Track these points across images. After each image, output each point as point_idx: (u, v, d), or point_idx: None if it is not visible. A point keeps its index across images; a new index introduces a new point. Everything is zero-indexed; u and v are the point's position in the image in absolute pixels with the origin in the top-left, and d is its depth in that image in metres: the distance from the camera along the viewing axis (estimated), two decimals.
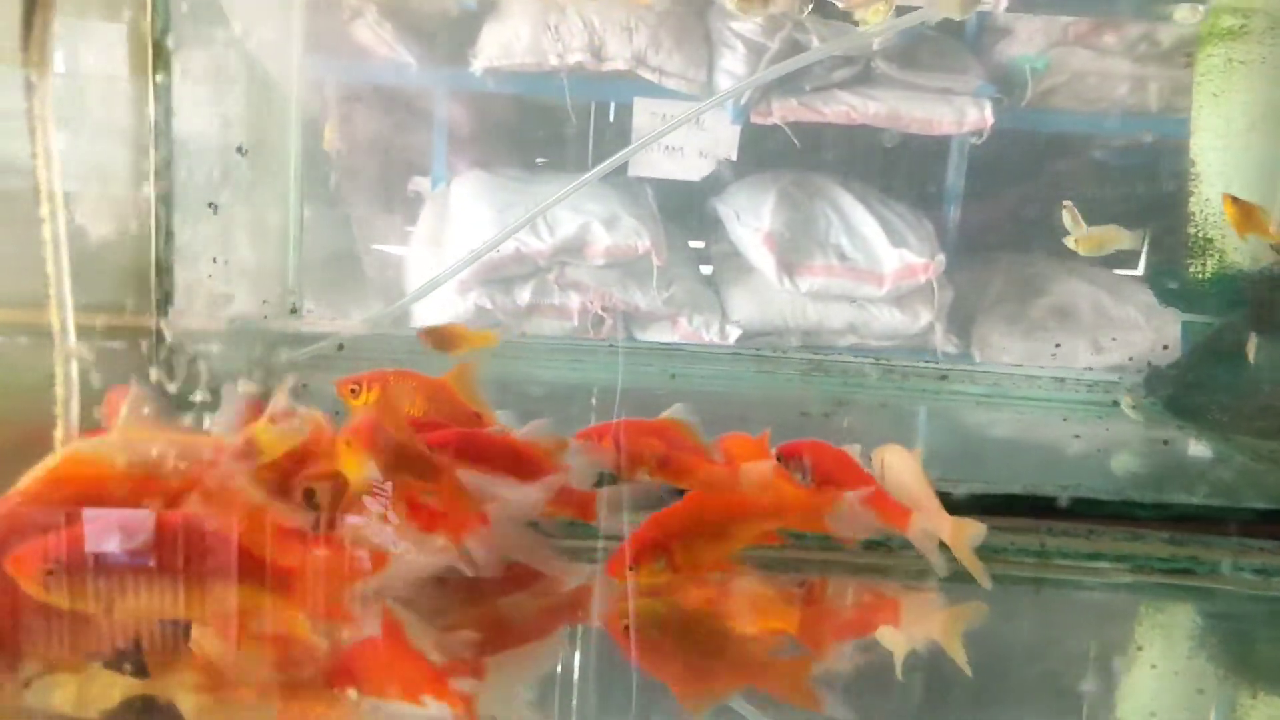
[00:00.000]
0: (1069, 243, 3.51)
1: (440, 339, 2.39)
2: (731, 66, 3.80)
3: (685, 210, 4.07)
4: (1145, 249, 4.12)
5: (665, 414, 1.82)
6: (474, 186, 3.89)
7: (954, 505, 1.62)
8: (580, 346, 2.74)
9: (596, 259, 3.75)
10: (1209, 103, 2.20)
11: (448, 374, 1.84)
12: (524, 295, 3.74)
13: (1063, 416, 2.28)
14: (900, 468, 1.71)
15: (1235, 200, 2.66)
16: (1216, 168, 2.20)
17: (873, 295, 3.83)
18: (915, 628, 1.68)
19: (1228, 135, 2.19)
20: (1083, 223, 3.01)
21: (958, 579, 1.61)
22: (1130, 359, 3.31)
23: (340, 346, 2.24)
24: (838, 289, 3.82)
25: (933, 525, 1.62)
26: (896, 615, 1.74)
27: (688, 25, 3.86)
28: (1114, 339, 3.29)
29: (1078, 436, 2.15)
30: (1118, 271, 3.99)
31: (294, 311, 2.21)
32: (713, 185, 4.02)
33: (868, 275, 3.81)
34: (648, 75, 3.79)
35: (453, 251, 3.65)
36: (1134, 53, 3.74)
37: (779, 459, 1.76)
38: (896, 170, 3.99)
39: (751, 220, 3.88)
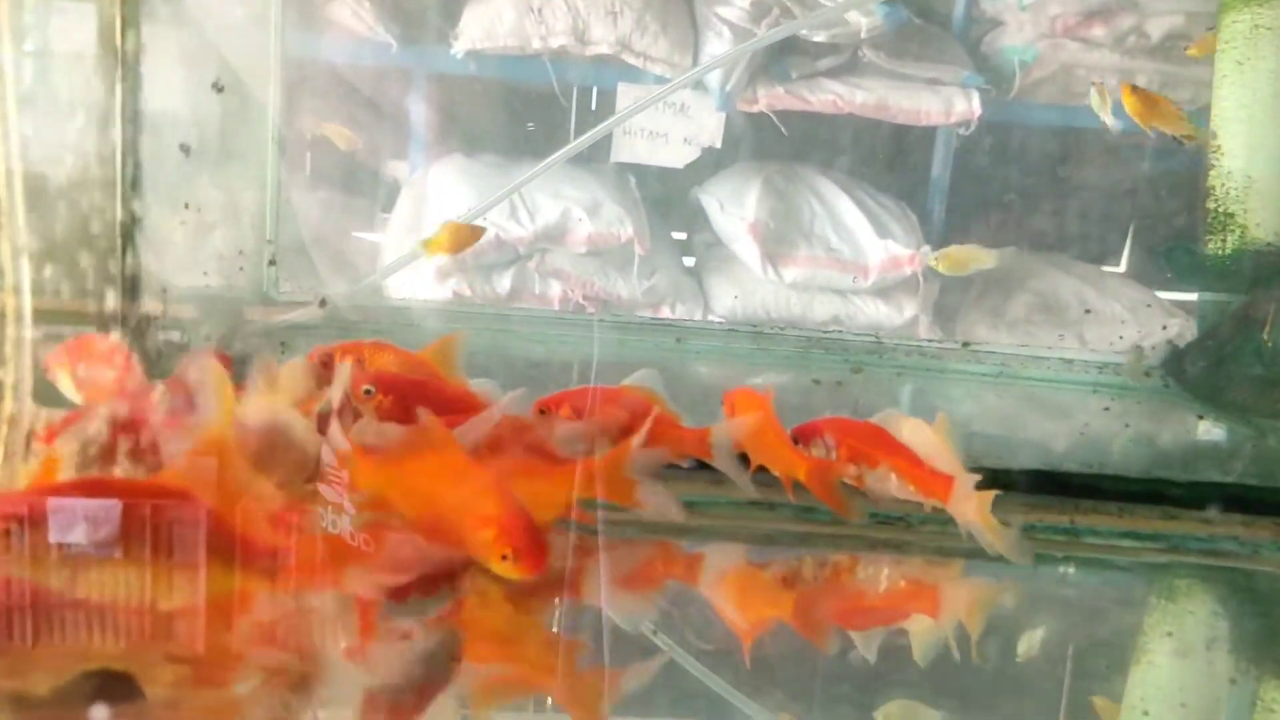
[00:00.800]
0: (928, 260, 3.45)
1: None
2: (718, 52, 3.73)
3: (668, 199, 4.01)
4: (1129, 244, 4.12)
5: (628, 380, 1.73)
6: (453, 171, 3.80)
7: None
8: (570, 320, 2.66)
9: (578, 246, 3.68)
10: (1233, 71, 2.14)
11: (428, 348, 1.75)
12: (504, 282, 3.67)
13: (1079, 395, 2.22)
14: (919, 442, 1.63)
15: (1135, 89, 2.58)
16: (1241, 139, 2.15)
17: (857, 287, 3.79)
18: (934, 607, 1.61)
19: (1253, 105, 2.14)
20: (1109, 100, 2.96)
21: (980, 555, 1.54)
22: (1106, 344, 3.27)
23: (323, 302, 2.15)
24: (822, 280, 3.77)
25: (963, 502, 1.54)
26: (913, 596, 1.66)
27: (673, 10, 3.80)
28: (1119, 335, 3.25)
29: (1107, 409, 2.10)
30: (1105, 268, 3.99)
31: (272, 264, 2.10)
32: (696, 174, 3.96)
33: (852, 266, 3.77)
34: (632, 60, 3.73)
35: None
36: (1123, 46, 3.72)
37: (795, 441, 1.69)
38: (882, 160, 3.95)
39: (735, 210, 3.82)
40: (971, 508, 1.49)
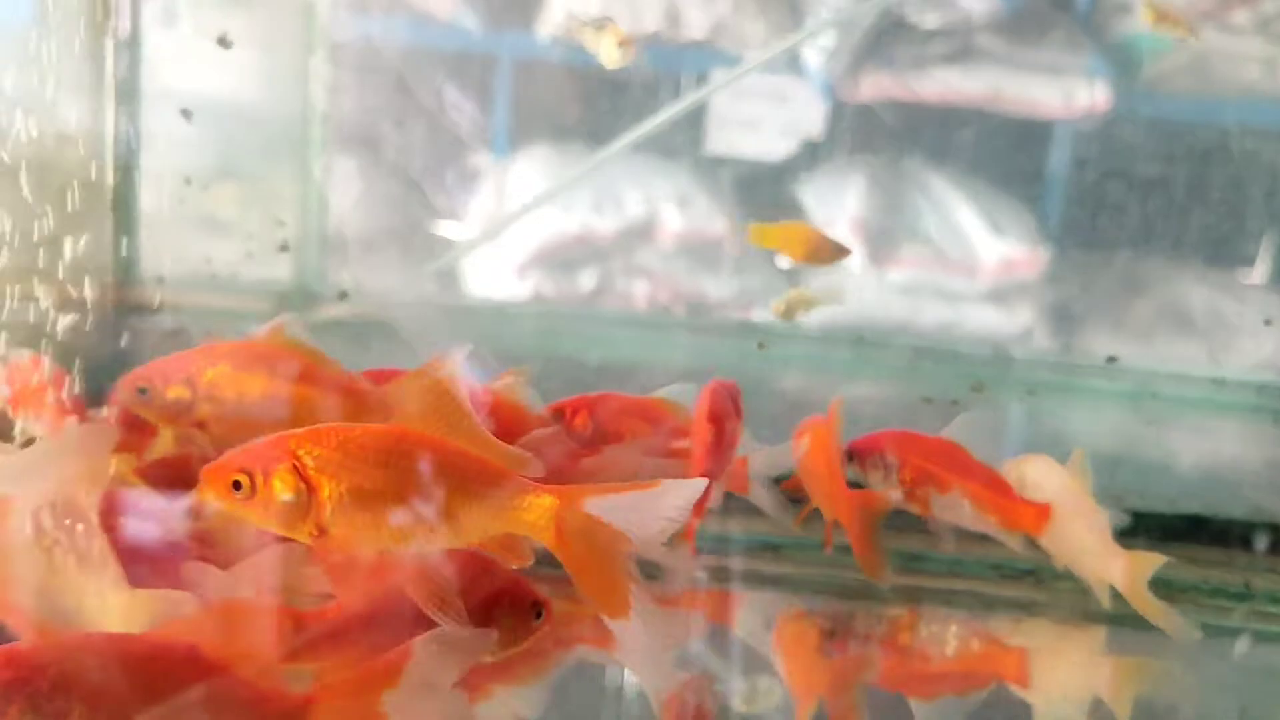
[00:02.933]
0: (774, 310, 2.98)
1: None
2: (819, 38, 3.52)
3: (763, 194, 3.79)
4: (1266, 250, 3.79)
5: (661, 392, 1.52)
6: (537, 161, 3.64)
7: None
8: (647, 322, 2.43)
9: (666, 244, 3.51)
10: None
11: (493, 381, 1.53)
12: (587, 281, 3.51)
13: (1237, 422, 1.92)
14: (1044, 485, 1.38)
15: None
16: None
17: (967, 291, 3.55)
18: (1059, 682, 1.35)
19: None
20: None
21: (1127, 622, 1.28)
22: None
23: (343, 294, 1.97)
24: (929, 283, 3.54)
25: (1101, 560, 1.28)
26: (1019, 667, 1.40)
27: None
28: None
29: None
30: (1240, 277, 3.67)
31: (284, 249, 1.91)
32: (794, 167, 3.73)
33: (963, 269, 3.53)
34: (728, 45, 3.53)
35: (514, 231, 3.45)
36: (1268, 31, 3.41)
37: (850, 458, 1.45)
38: (997, 155, 3.68)
39: (836, 206, 3.60)
40: (1120, 571, 1.23)
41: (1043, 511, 1.30)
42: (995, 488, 1.33)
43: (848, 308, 3.59)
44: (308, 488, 1.12)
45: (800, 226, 2.40)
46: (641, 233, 3.51)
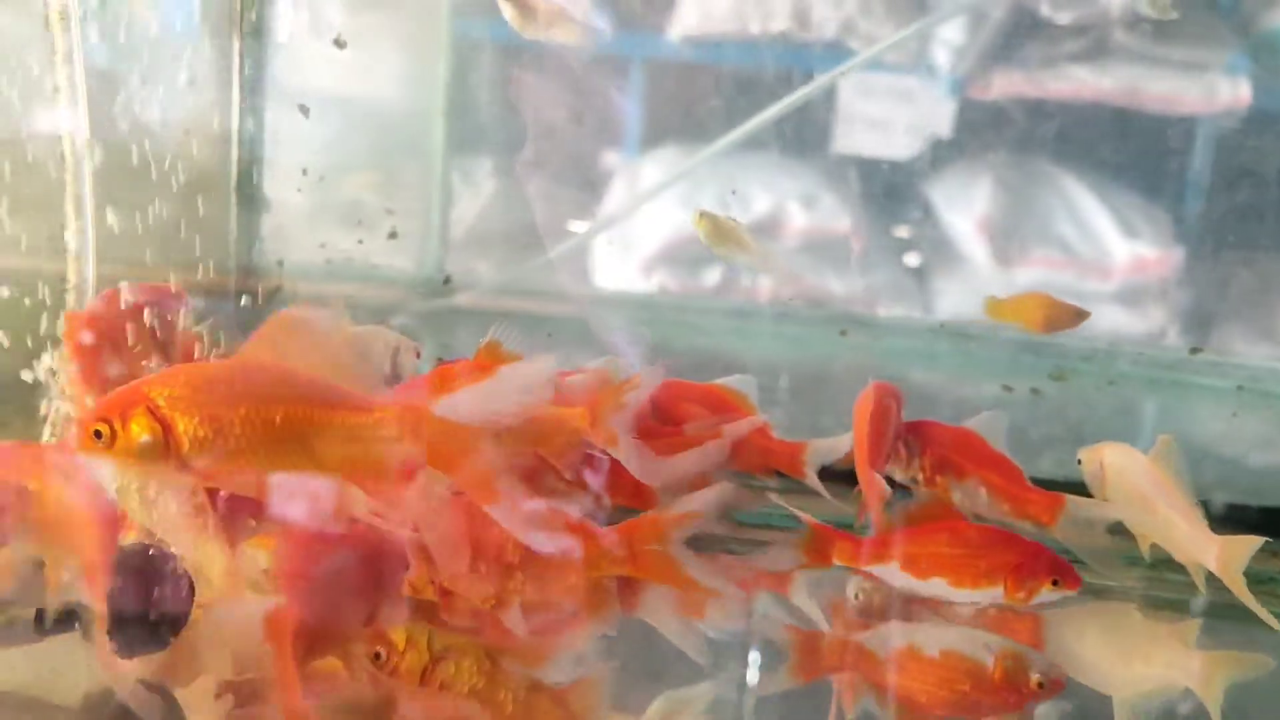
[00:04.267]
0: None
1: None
2: (949, 35, 3.50)
3: (890, 192, 3.78)
4: None
5: (723, 380, 1.58)
6: (666, 162, 3.70)
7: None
8: (735, 311, 2.46)
9: (791, 241, 3.54)
10: None
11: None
12: (711, 277, 3.56)
13: None
14: (1128, 471, 1.39)
15: None
16: None
17: (1098, 291, 3.48)
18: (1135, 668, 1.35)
19: None
20: None
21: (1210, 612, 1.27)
22: None
23: (447, 280, 2.06)
24: (1059, 283, 3.49)
25: (1194, 545, 1.28)
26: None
27: None
28: None
29: None
30: None
31: (393, 236, 2.01)
32: (922, 166, 3.71)
33: (1093, 269, 3.47)
34: (856, 44, 3.53)
35: (641, 227, 3.51)
36: None
37: None
38: (1130, 154, 3.59)
39: (964, 205, 3.58)
40: (1215, 556, 1.24)
41: (1054, 501, 1.33)
42: (1010, 477, 1.36)
43: (976, 306, 3.57)
44: (163, 427, 1.18)
45: (1036, 296, 2.39)
46: (767, 230, 3.54)
